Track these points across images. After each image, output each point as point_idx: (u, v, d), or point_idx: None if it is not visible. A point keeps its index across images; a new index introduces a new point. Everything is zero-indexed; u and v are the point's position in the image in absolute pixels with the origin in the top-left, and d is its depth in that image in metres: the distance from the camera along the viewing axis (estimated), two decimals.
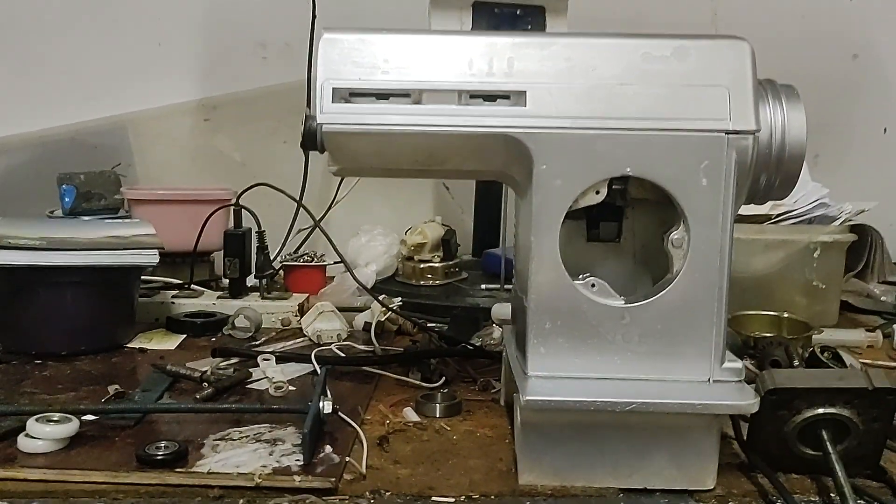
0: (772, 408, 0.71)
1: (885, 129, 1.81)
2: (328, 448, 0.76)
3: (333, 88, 0.71)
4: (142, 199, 1.46)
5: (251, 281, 1.30)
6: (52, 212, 1.47)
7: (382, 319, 1.16)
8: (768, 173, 0.73)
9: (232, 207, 1.30)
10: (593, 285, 0.72)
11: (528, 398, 0.69)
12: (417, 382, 0.97)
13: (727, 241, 0.70)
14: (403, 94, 0.71)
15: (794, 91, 0.74)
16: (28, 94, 1.72)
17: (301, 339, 1.16)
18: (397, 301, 1.22)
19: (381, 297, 1.19)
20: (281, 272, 1.36)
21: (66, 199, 1.44)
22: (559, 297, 0.71)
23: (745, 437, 0.76)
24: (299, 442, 0.75)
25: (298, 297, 1.29)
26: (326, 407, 0.78)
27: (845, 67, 1.78)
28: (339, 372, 1.00)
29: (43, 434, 0.74)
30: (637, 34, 0.72)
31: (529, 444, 0.71)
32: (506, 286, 1.33)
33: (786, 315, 1.12)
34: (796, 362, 0.94)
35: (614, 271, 0.76)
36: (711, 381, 0.71)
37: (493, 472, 0.74)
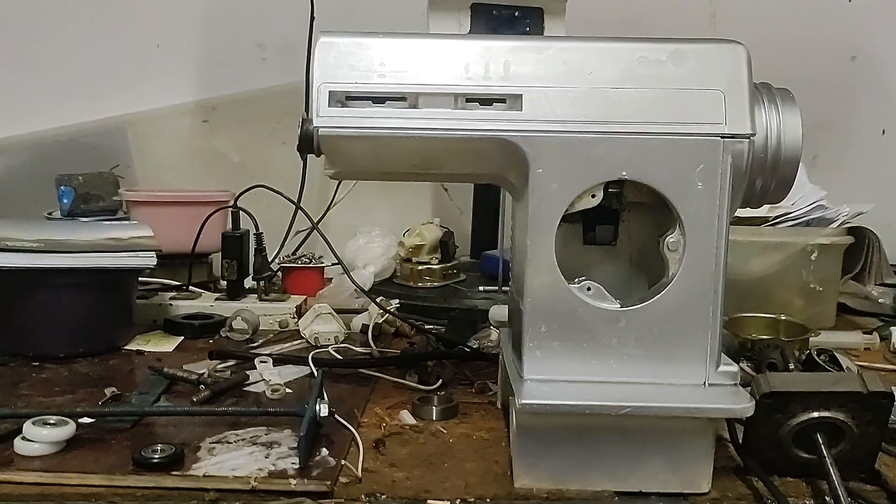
0: (767, 411, 0.71)
1: (883, 131, 1.81)
2: (324, 451, 0.76)
3: (330, 92, 0.71)
4: (140, 201, 1.46)
5: (249, 283, 1.30)
6: (50, 213, 1.46)
7: (380, 321, 1.16)
8: (764, 177, 0.73)
9: (230, 209, 1.30)
10: (589, 289, 0.72)
11: (523, 401, 0.69)
12: (414, 385, 0.97)
13: (723, 244, 0.70)
14: (400, 98, 0.71)
15: (789, 95, 0.74)
16: (27, 94, 1.72)
17: (298, 341, 1.16)
18: (395, 303, 1.22)
19: (378, 299, 1.19)
20: (279, 274, 1.36)
21: (65, 201, 1.44)
22: (555, 300, 0.71)
23: (740, 441, 0.76)
24: (295, 445, 0.75)
25: (296, 299, 1.29)
26: (323, 410, 0.78)
27: (843, 69, 1.78)
28: (336, 374, 1.00)
29: (39, 437, 0.74)
30: (633, 38, 0.72)
31: (525, 447, 0.71)
32: (503, 288, 1.33)
33: (783, 317, 1.13)
34: (792, 365, 0.94)
35: (610, 275, 0.76)
36: (707, 384, 0.71)
37: (489, 475, 0.74)
